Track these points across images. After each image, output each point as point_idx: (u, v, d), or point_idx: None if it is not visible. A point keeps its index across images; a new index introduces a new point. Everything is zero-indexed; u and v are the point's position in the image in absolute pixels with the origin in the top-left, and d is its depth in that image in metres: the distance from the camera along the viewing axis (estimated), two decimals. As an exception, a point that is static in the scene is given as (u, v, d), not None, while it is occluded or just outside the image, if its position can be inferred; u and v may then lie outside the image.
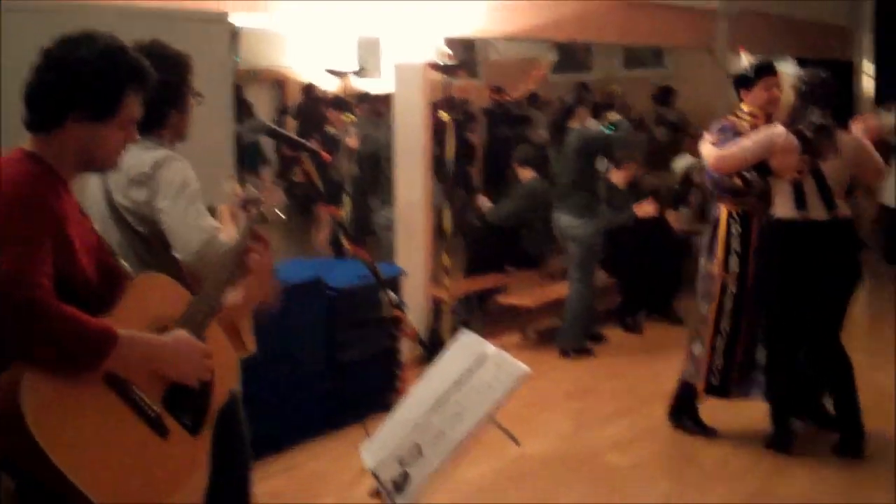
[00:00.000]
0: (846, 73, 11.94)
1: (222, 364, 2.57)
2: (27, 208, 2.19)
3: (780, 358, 5.24)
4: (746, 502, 4.75)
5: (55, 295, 2.13)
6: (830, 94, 5.08)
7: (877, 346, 7.20)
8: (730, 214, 5.32)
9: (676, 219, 8.71)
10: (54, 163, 2.35)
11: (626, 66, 13.71)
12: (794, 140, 4.99)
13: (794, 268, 5.06)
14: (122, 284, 2.43)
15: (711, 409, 5.56)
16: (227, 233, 3.16)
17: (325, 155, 3.17)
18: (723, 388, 5.44)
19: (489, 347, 2.89)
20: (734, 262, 5.30)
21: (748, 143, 5.09)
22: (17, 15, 4.02)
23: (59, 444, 2.07)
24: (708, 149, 5.26)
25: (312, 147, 3.12)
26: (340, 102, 10.57)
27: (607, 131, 7.37)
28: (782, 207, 5.08)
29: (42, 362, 2.10)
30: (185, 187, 3.01)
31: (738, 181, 5.23)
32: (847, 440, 5.15)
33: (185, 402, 2.41)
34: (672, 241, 8.35)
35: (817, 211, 5.01)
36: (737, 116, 5.37)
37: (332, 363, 5.72)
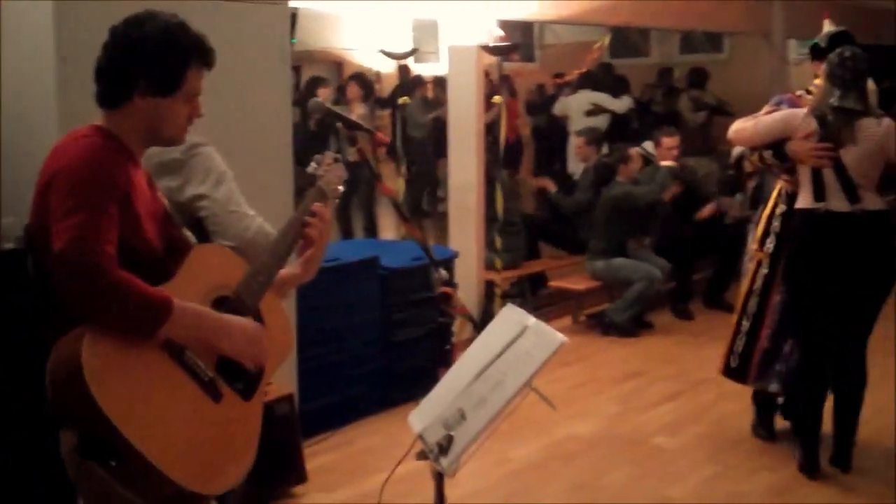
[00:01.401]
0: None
1: (277, 329, 2.63)
2: (94, 178, 2.30)
3: (802, 357, 4.84)
4: (791, 486, 4.76)
5: (118, 262, 2.22)
6: (854, 74, 4.55)
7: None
8: (779, 191, 5.06)
9: (731, 206, 8.68)
10: (123, 136, 2.46)
11: (683, 52, 13.65)
12: (811, 123, 4.60)
13: (815, 261, 4.67)
14: (186, 254, 2.52)
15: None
16: None
17: (381, 137, 3.24)
18: (740, 372, 5.22)
19: (530, 319, 2.95)
20: (770, 242, 5.02)
21: (765, 120, 4.79)
22: (75, 3, 4.13)
23: (114, 398, 2.16)
24: (736, 121, 5.02)
25: (370, 128, 3.18)
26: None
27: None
28: (803, 196, 4.69)
29: (102, 325, 2.20)
30: (224, 174, 3.08)
31: (755, 158, 4.94)
32: (841, 452, 4.81)
33: (239, 368, 2.48)
34: (725, 228, 8.32)
35: (838, 202, 4.57)
36: (808, 92, 5.00)
37: (386, 342, 5.81)
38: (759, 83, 11.19)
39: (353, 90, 10.22)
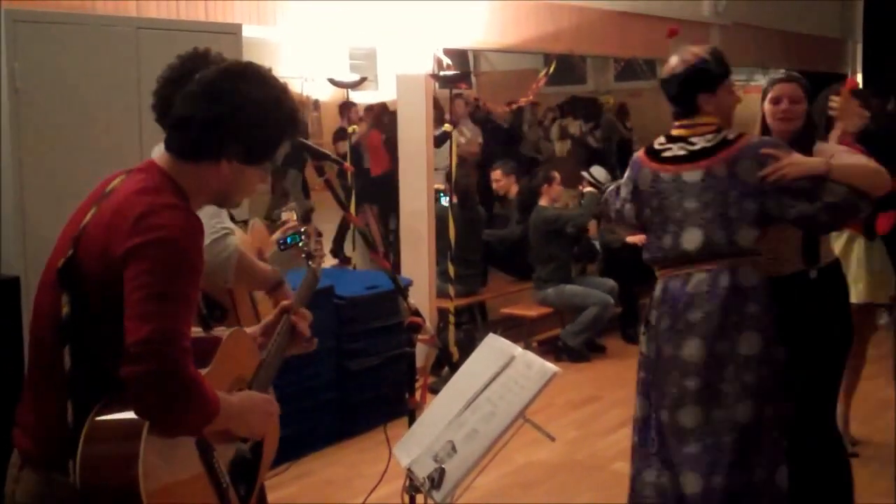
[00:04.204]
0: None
1: (269, 432, 2.51)
2: (185, 263, 2.08)
3: None
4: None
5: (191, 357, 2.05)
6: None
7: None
8: None
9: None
10: (190, 192, 2.22)
11: (619, 79, 13.84)
12: None
13: None
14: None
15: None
16: (246, 243, 3.24)
17: (347, 165, 3.22)
18: None
19: (516, 349, 2.95)
20: None
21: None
22: (33, 26, 4.04)
23: None
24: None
25: (336, 158, 3.18)
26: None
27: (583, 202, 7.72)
28: None
29: (157, 418, 2.02)
30: None
31: None
32: None
33: (242, 471, 2.36)
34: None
35: None
36: None
37: (343, 371, 5.76)
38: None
39: None
